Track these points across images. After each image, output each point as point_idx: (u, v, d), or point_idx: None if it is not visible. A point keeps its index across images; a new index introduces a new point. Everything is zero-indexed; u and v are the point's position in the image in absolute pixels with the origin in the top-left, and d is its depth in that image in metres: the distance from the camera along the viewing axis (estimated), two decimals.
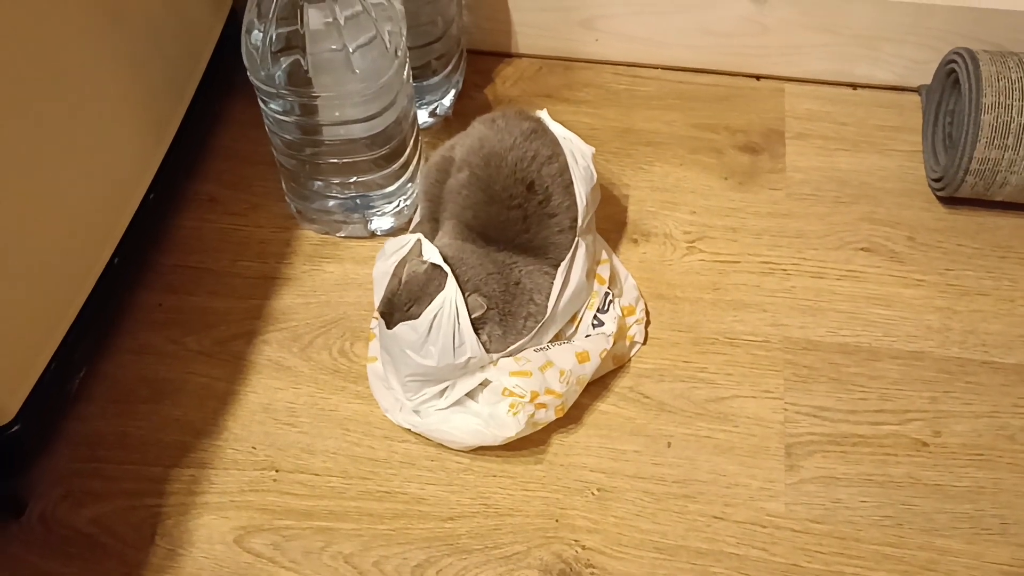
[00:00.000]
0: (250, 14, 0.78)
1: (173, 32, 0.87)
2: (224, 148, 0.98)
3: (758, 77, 1.03)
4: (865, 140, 0.98)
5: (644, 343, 0.83)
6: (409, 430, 0.77)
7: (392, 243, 0.79)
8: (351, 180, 0.86)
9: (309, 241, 0.91)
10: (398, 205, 0.90)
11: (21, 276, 0.69)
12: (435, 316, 0.72)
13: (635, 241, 0.90)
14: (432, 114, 0.99)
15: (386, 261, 0.78)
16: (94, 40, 0.75)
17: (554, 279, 0.77)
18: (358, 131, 0.82)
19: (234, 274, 0.89)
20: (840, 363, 0.82)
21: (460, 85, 1.02)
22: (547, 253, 0.77)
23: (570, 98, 1.02)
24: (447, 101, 1.00)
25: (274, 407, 0.80)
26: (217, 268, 0.89)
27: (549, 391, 0.74)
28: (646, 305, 0.85)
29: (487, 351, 0.74)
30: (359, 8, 0.76)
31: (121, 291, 0.85)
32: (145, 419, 0.80)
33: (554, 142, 0.79)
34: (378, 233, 0.90)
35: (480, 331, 0.74)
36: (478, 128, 0.80)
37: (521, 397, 0.73)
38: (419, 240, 0.76)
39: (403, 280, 0.74)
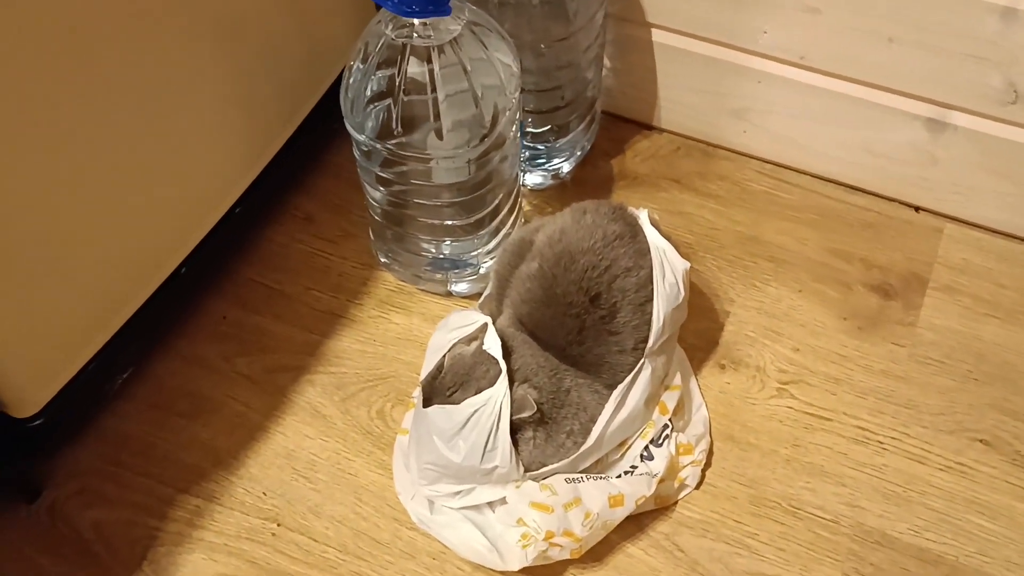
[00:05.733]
0: (355, 59, 0.74)
1: (296, 50, 0.85)
2: (335, 166, 0.96)
3: (917, 208, 0.92)
4: (1023, 311, 0.84)
5: (696, 488, 0.75)
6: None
7: (457, 317, 0.74)
8: (434, 240, 0.82)
9: (385, 285, 0.87)
10: (482, 271, 0.85)
11: (67, 278, 0.69)
12: (476, 411, 0.67)
13: (722, 367, 0.81)
14: (555, 176, 0.94)
15: (445, 335, 0.73)
16: (200, 47, 0.74)
17: (603, 401, 0.70)
18: (446, 195, 0.77)
19: (304, 302, 0.86)
20: (913, 570, 0.70)
21: (587, 149, 0.95)
22: (600, 372, 0.70)
23: (700, 188, 0.94)
24: (567, 166, 0.94)
25: (297, 455, 0.77)
26: (290, 292, 0.87)
27: (568, 533, 0.67)
28: (711, 445, 0.76)
29: (522, 457, 0.68)
30: (456, 62, 0.71)
31: (188, 298, 0.84)
32: (175, 433, 0.79)
33: (641, 252, 0.71)
34: (454, 294, 0.86)
35: (522, 431, 0.68)
36: (566, 217, 0.74)
37: (535, 533, 0.67)
38: (486, 324, 0.71)
39: (446, 364, 0.70)
